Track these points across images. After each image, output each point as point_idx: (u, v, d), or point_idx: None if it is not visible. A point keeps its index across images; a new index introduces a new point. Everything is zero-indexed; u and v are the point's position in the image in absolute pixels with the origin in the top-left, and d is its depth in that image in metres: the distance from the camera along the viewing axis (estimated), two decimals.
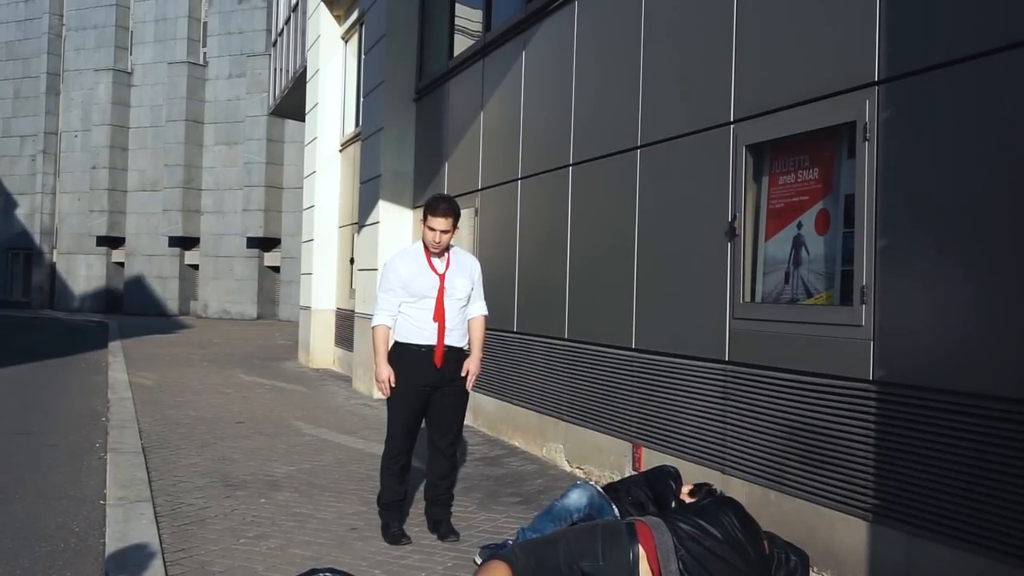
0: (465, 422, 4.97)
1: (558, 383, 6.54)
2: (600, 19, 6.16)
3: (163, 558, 4.14)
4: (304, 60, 15.31)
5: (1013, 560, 3.12)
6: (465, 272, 4.72)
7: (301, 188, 18.55)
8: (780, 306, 4.38)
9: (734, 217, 4.62)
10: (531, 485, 5.90)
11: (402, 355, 4.59)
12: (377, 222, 10.23)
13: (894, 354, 3.65)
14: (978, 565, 3.24)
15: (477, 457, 6.81)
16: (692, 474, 4.66)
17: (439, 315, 4.57)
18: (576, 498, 4.19)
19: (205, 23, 30.35)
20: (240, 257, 28.62)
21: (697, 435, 4.88)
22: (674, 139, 5.20)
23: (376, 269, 9.83)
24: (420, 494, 5.05)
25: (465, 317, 4.74)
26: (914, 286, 3.57)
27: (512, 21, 7.60)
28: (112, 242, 31.05)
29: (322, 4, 13.91)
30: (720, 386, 4.70)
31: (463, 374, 4.69)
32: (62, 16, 32.55)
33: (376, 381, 4.62)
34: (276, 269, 28.59)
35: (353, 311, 11.76)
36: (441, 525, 4.67)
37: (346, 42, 13.82)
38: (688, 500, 4.07)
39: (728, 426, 4.63)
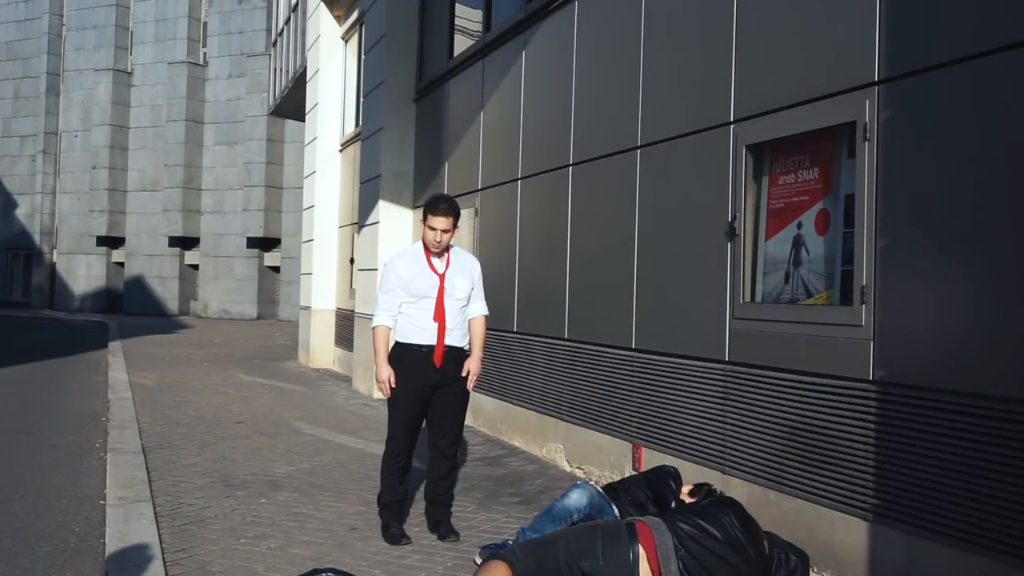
0: (465, 422, 4.97)
1: (558, 383, 6.54)
2: (600, 19, 6.16)
3: (163, 558, 4.14)
4: (304, 60, 15.31)
5: (1013, 560, 3.12)
6: (465, 272, 4.72)
7: (301, 188, 18.56)
8: (780, 306, 4.38)
9: (734, 217, 4.63)
10: (531, 485, 5.90)
11: (402, 355, 4.59)
12: (377, 222, 10.23)
13: (894, 354, 3.65)
14: (978, 565, 3.24)
15: (477, 457, 6.81)
16: (692, 474, 4.66)
17: (439, 315, 4.57)
18: (576, 498, 4.19)
19: (205, 23, 30.35)
20: (240, 257, 28.62)
21: (697, 435, 4.88)
22: (674, 139, 5.20)
23: (376, 269, 9.83)
24: (420, 494, 5.05)
25: (465, 317, 4.74)
26: (914, 286, 3.57)
27: (512, 21, 7.60)
28: (112, 242, 31.05)
29: (322, 4, 13.91)
30: (720, 386, 4.70)
31: (464, 374, 4.70)
32: (62, 16, 32.55)
33: (376, 382, 4.62)
34: (276, 269, 28.59)
35: (353, 311, 11.76)
36: (441, 525, 4.67)
37: (346, 42, 13.82)
38: (688, 500, 4.07)
39: (728, 426, 4.63)
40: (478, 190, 8.24)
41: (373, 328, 4.64)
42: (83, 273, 31.52)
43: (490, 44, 8.06)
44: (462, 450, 6.67)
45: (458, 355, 4.67)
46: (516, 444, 7.27)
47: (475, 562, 4.12)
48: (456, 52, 9.21)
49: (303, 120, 15.76)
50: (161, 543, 4.36)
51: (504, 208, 7.66)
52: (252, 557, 4.24)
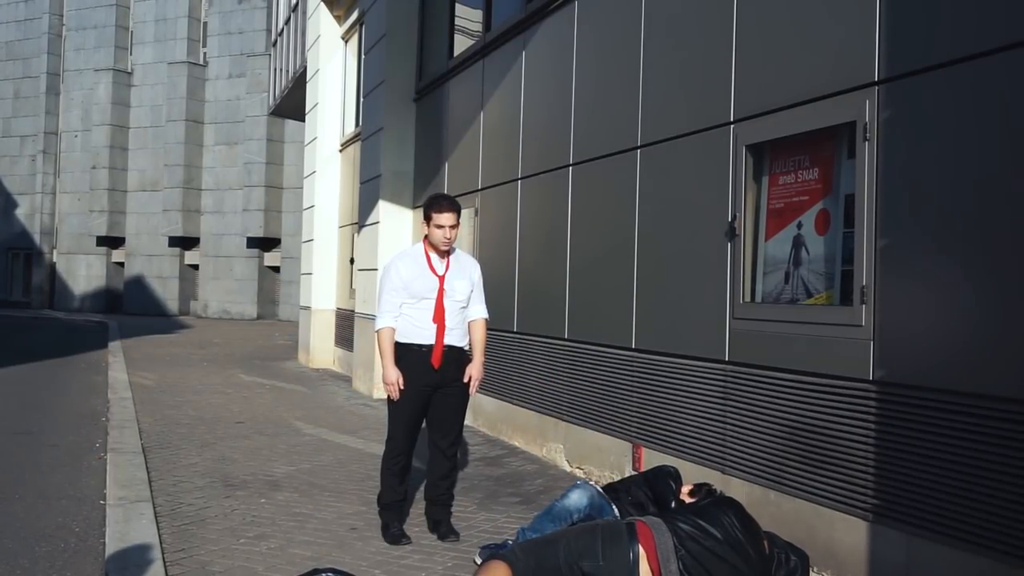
0: (465, 422, 4.97)
1: (558, 383, 6.54)
2: (600, 19, 6.16)
3: (163, 558, 4.14)
4: (304, 60, 15.31)
5: (1013, 560, 3.12)
6: (465, 274, 4.72)
7: (301, 188, 18.55)
8: (780, 306, 4.38)
9: (734, 217, 4.62)
10: (531, 485, 5.90)
11: (403, 355, 4.59)
12: (377, 222, 10.23)
13: (894, 354, 3.65)
14: (978, 565, 3.24)
15: (477, 457, 6.81)
16: (692, 474, 4.66)
17: (439, 316, 4.58)
18: (576, 498, 4.19)
19: (205, 23, 30.35)
20: (240, 257, 28.62)
21: (697, 435, 4.88)
22: (674, 139, 5.20)
23: (376, 269, 9.83)
24: (420, 494, 5.05)
25: (465, 318, 4.75)
26: (914, 286, 3.57)
27: (512, 21, 7.60)
28: (112, 242, 31.04)
29: (322, 4, 13.91)
30: (720, 386, 4.70)
31: (466, 379, 4.71)
32: (62, 16, 32.54)
33: (384, 384, 4.61)
34: (276, 269, 28.59)
35: (353, 311, 11.76)
36: (441, 525, 4.67)
37: (346, 42, 13.82)
38: (688, 500, 4.07)
39: (728, 426, 4.63)
40: (478, 190, 8.24)
41: (377, 331, 4.64)
42: (83, 273, 31.51)
43: (490, 44, 8.06)
44: (462, 450, 6.68)
45: (457, 355, 4.67)
46: (516, 444, 7.27)
47: (475, 562, 4.12)
48: (456, 52, 9.21)
49: (303, 120, 15.76)
50: (161, 543, 4.36)
51: (504, 208, 7.66)
52: (252, 557, 4.24)
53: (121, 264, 31.12)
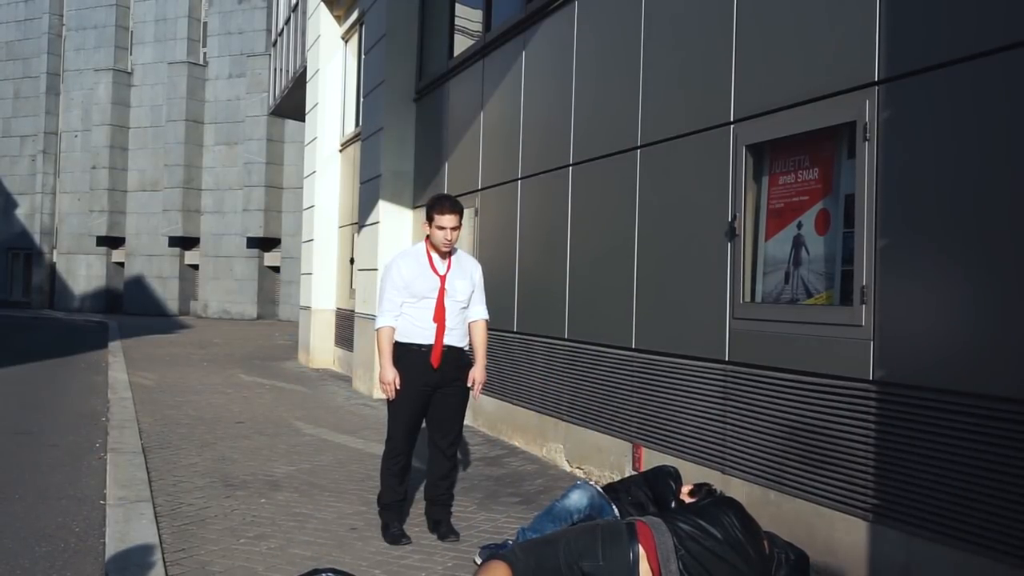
0: (465, 422, 4.97)
1: (558, 383, 6.54)
2: (600, 19, 6.16)
3: (163, 558, 4.14)
4: (304, 60, 15.31)
5: (1013, 560, 3.12)
6: (466, 274, 4.73)
7: (301, 188, 18.56)
8: (780, 306, 4.38)
9: (734, 217, 4.63)
10: (531, 485, 5.90)
11: (402, 355, 4.60)
12: (377, 222, 10.24)
13: (894, 354, 3.65)
14: (978, 565, 3.24)
15: (477, 457, 6.81)
16: (692, 474, 4.66)
17: (439, 316, 4.58)
18: (576, 498, 4.19)
19: (205, 23, 30.35)
20: (240, 257, 28.62)
21: (697, 435, 4.88)
22: (674, 139, 5.20)
23: (376, 269, 9.83)
24: (420, 494, 5.05)
25: (465, 319, 4.75)
26: (914, 286, 3.57)
27: (512, 21, 7.60)
28: (112, 242, 31.04)
29: (322, 4, 13.92)
30: (720, 386, 4.70)
31: (469, 383, 4.71)
32: (62, 16, 32.54)
33: (381, 383, 4.62)
34: (276, 269, 28.59)
35: (353, 311, 11.76)
36: (441, 525, 4.67)
37: (346, 42, 13.82)
38: (688, 500, 4.07)
39: (728, 426, 4.63)
40: (478, 190, 8.25)
41: (377, 330, 4.64)
42: (83, 273, 31.51)
43: (490, 44, 8.06)
44: (462, 450, 6.68)
45: (457, 355, 4.67)
46: (516, 444, 7.27)
47: (475, 562, 4.12)
48: (456, 52, 9.21)
49: (303, 120, 15.76)
50: (161, 543, 4.36)
51: (504, 208, 7.66)
52: (252, 557, 4.24)
53: (121, 264, 31.12)
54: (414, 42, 10.39)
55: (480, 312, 4.83)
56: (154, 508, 5.00)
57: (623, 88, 5.73)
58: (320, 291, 14.08)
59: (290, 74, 16.96)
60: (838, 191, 4.10)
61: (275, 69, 19.31)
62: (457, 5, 9.43)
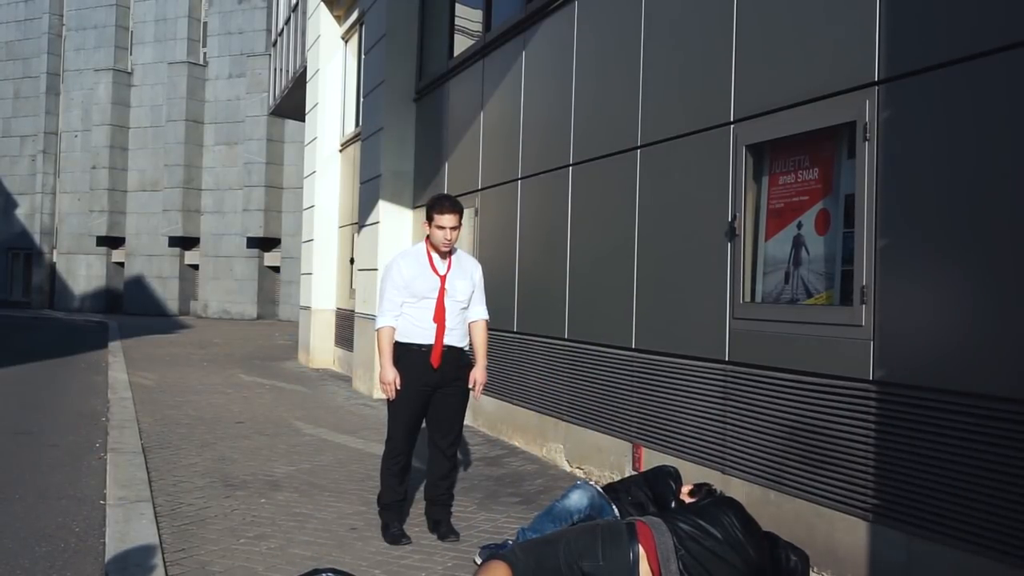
0: (465, 422, 4.97)
1: (558, 383, 6.54)
2: (600, 19, 6.16)
3: (163, 558, 4.14)
4: (304, 60, 15.31)
5: (1013, 560, 3.12)
6: (466, 275, 4.73)
7: (301, 188, 18.56)
8: (780, 306, 4.38)
9: (734, 217, 4.63)
10: (531, 485, 5.90)
11: (402, 355, 4.60)
12: (377, 222, 10.24)
13: (894, 354, 3.65)
14: (978, 565, 3.24)
15: (477, 457, 6.81)
16: (692, 474, 4.66)
17: (439, 316, 4.58)
18: (576, 498, 4.19)
19: (205, 23, 30.34)
20: (240, 257, 28.62)
21: (697, 435, 4.88)
22: (674, 139, 5.20)
23: (376, 269, 9.83)
24: (420, 494, 5.05)
25: (465, 319, 4.75)
26: (914, 286, 3.57)
27: (512, 21, 7.60)
28: (112, 242, 31.04)
29: (322, 4, 13.92)
30: (720, 386, 4.70)
31: (470, 384, 4.71)
32: (62, 16, 32.54)
33: (381, 383, 4.62)
34: (276, 269, 28.59)
35: (353, 311, 11.76)
36: (441, 525, 4.67)
37: (346, 42, 13.82)
38: (688, 500, 4.08)
39: (728, 426, 4.63)
40: (478, 190, 8.25)
41: (378, 330, 4.64)
42: (83, 273, 31.51)
43: (490, 44, 8.06)
44: (462, 450, 6.68)
45: (457, 355, 4.67)
46: (516, 444, 7.27)
47: (475, 562, 4.12)
48: (456, 52, 9.21)
49: (303, 120, 15.76)
50: (161, 543, 4.36)
51: (504, 208, 7.66)
52: (252, 557, 4.24)
53: (121, 264, 31.12)
54: (414, 42, 10.39)
55: (480, 312, 4.83)
56: (154, 508, 5.00)
57: (623, 88, 5.73)
58: (320, 291, 14.08)
59: (290, 74, 16.96)
60: (838, 191, 4.10)
61: (275, 69, 19.31)
62: (457, 5, 9.43)
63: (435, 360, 4.57)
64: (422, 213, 4.74)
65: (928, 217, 3.52)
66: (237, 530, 4.68)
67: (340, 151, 13.92)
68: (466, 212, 7.86)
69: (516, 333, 7.34)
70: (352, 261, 12.67)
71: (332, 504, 5.29)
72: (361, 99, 12.16)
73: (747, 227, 4.59)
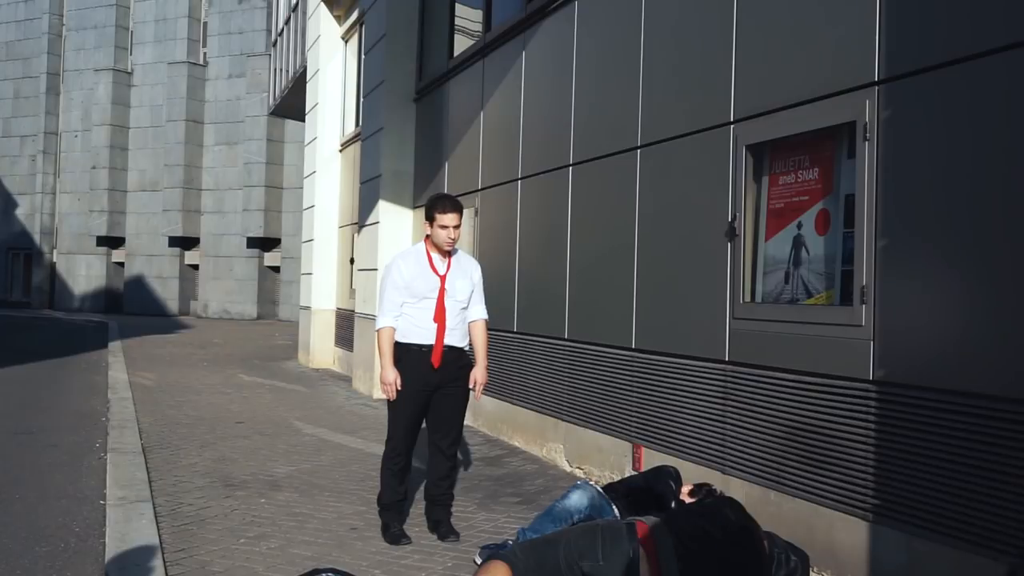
0: (465, 422, 4.97)
1: (558, 383, 6.54)
2: (600, 19, 6.16)
3: (163, 558, 4.15)
4: (304, 60, 15.31)
5: (1013, 560, 3.12)
6: (466, 274, 4.74)
7: (301, 188, 18.55)
8: (780, 306, 4.38)
9: (734, 217, 4.63)
10: (531, 485, 5.90)
11: (403, 356, 4.60)
12: (377, 222, 10.24)
13: (894, 354, 3.65)
14: (978, 565, 3.24)
15: (477, 457, 6.81)
16: (692, 474, 4.66)
17: (439, 316, 4.58)
18: (576, 499, 4.19)
19: (205, 23, 30.36)
20: (240, 257, 28.63)
21: (697, 435, 4.88)
22: (674, 139, 5.20)
23: (376, 269, 9.83)
24: (420, 494, 5.05)
25: (465, 319, 4.75)
26: (914, 286, 3.57)
27: (512, 21, 7.60)
28: (112, 242, 31.05)
29: (322, 4, 13.92)
30: (720, 386, 4.70)
31: (471, 384, 4.71)
32: (62, 16, 32.55)
33: (382, 384, 4.62)
34: (276, 269, 28.60)
35: (353, 311, 11.77)
36: (441, 525, 4.67)
37: (346, 42, 13.82)
38: (688, 500, 4.08)
39: (728, 426, 4.63)
40: (478, 190, 8.25)
41: (378, 330, 4.64)
42: (83, 273, 31.52)
43: (490, 44, 8.06)
44: (462, 450, 6.68)
45: (457, 355, 4.68)
46: (516, 444, 7.27)
47: (475, 562, 4.12)
48: (456, 52, 9.21)
49: (303, 120, 15.76)
50: (161, 543, 4.36)
51: (504, 208, 7.66)
52: (252, 557, 4.24)
53: (121, 264, 31.13)
54: (414, 42, 10.39)
55: (480, 312, 4.84)
56: (154, 508, 5.00)
57: (623, 88, 5.73)
58: (320, 291, 14.08)
59: (290, 74, 16.97)
60: (838, 191, 4.10)
61: (275, 69, 19.32)
62: (457, 5, 9.43)
63: (436, 360, 4.57)
64: (422, 213, 4.74)
65: (928, 217, 3.52)
66: (237, 530, 4.68)
67: (340, 151, 13.92)
68: (466, 212, 7.88)
69: (516, 333, 7.34)
70: (352, 261, 12.67)
71: (332, 504, 5.29)
72: (361, 99, 12.16)
73: (747, 227, 4.59)
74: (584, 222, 6.28)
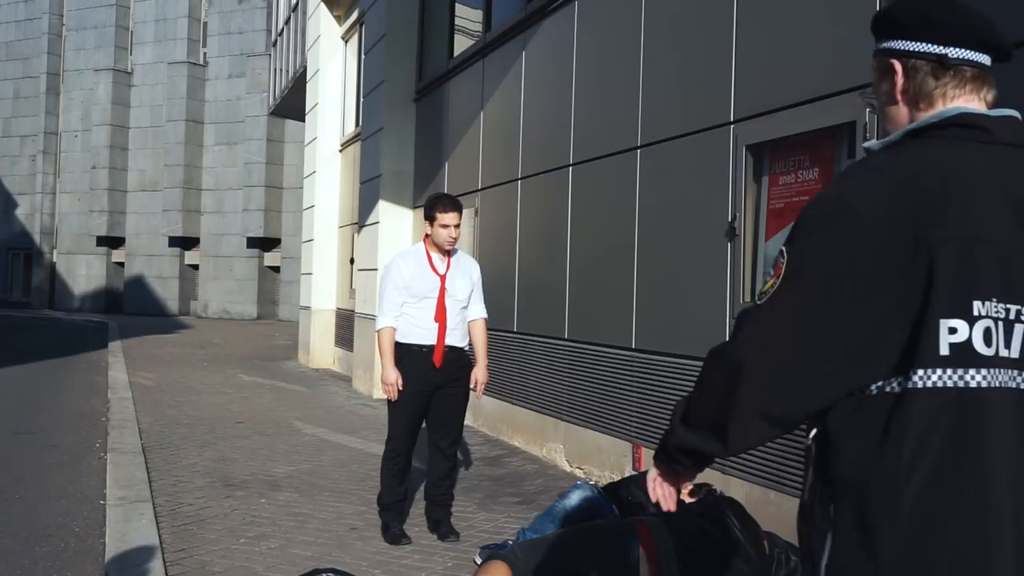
0: (465, 422, 4.98)
1: (558, 383, 6.54)
2: (600, 19, 6.16)
3: (163, 558, 4.15)
4: (304, 60, 15.31)
5: None
6: (465, 274, 4.74)
7: (301, 188, 18.55)
8: None
9: (734, 217, 4.63)
10: (531, 485, 5.90)
11: (403, 356, 4.60)
12: (377, 222, 10.24)
13: None
14: None
15: (477, 457, 6.81)
16: None
17: (440, 315, 4.59)
18: (576, 498, 4.19)
19: (205, 23, 30.36)
20: (240, 257, 28.63)
21: None
22: (674, 139, 5.20)
23: (376, 269, 9.83)
24: (420, 494, 5.05)
25: (465, 319, 4.76)
26: None
27: (512, 21, 7.60)
28: (112, 242, 31.05)
29: (322, 4, 13.92)
30: None
31: (472, 384, 4.71)
32: (62, 16, 32.55)
33: (383, 384, 4.61)
34: (276, 269, 28.60)
35: (353, 311, 11.77)
36: (441, 525, 4.67)
37: (346, 42, 13.82)
38: (688, 500, 4.07)
39: None
40: (478, 190, 8.25)
41: (378, 331, 4.64)
42: (83, 273, 31.52)
43: (490, 44, 8.06)
44: (462, 450, 6.67)
45: (458, 355, 4.68)
46: (516, 444, 7.27)
47: (475, 562, 4.12)
48: (456, 52, 9.21)
49: (303, 120, 15.76)
50: (161, 543, 4.36)
51: (504, 208, 7.66)
52: (252, 557, 4.24)
53: (121, 264, 31.13)
54: (414, 42, 10.39)
55: (479, 311, 4.84)
56: (154, 508, 5.01)
57: (623, 88, 5.73)
58: (320, 291, 14.08)
59: (290, 74, 16.97)
60: None
61: (275, 69, 19.32)
62: (457, 5, 9.43)
63: (438, 360, 4.57)
64: (422, 213, 4.74)
65: None
66: (237, 530, 4.68)
67: (340, 151, 13.92)
68: (466, 212, 7.89)
69: (516, 333, 7.34)
70: (352, 261, 12.67)
71: (332, 504, 5.29)
72: (361, 99, 12.16)
73: (747, 227, 4.59)
74: (584, 222, 6.28)
